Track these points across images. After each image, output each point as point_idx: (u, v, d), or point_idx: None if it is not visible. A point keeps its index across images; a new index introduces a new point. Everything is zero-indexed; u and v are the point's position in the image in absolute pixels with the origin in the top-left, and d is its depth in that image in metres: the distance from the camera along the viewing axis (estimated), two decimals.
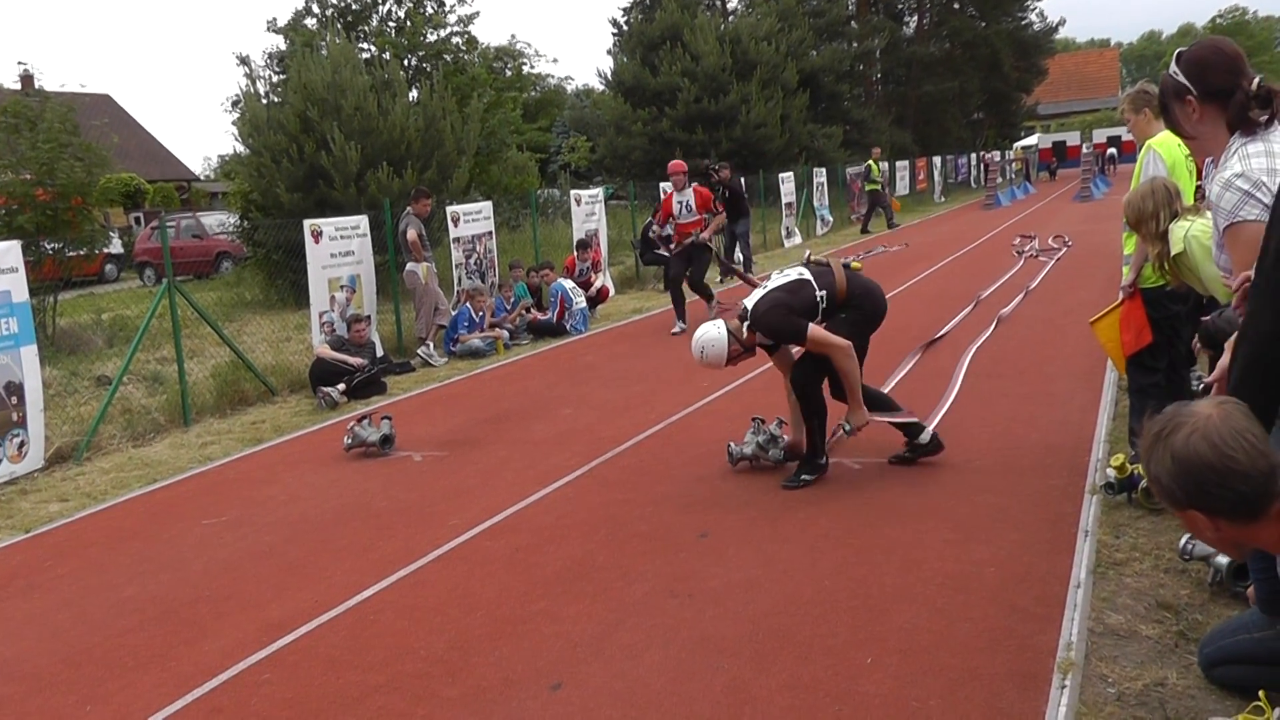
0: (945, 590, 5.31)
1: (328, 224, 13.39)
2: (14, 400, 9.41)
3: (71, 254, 17.42)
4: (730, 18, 52.57)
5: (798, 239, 27.83)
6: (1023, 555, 5.69)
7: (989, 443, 7.92)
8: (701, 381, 10.82)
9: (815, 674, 4.60)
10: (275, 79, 30.93)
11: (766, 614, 5.22)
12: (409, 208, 14.12)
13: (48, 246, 16.90)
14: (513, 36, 70.97)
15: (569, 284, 15.81)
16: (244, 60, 36.49)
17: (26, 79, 43.22)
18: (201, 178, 61.93)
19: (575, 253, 17.58)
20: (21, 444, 9.49)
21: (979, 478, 7.10)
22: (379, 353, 13.16)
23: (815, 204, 30.32)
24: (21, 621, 6.24)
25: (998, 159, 46.28)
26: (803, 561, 5.87)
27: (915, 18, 62.09)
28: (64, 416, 11.10)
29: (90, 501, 8.74)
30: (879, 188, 31.35)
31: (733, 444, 7.76)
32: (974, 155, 54.09)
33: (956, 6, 59.97)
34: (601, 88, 48.45)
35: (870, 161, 31.19)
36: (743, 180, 21.92)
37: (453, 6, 43.09)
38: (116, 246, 32.33)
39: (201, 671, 5.21)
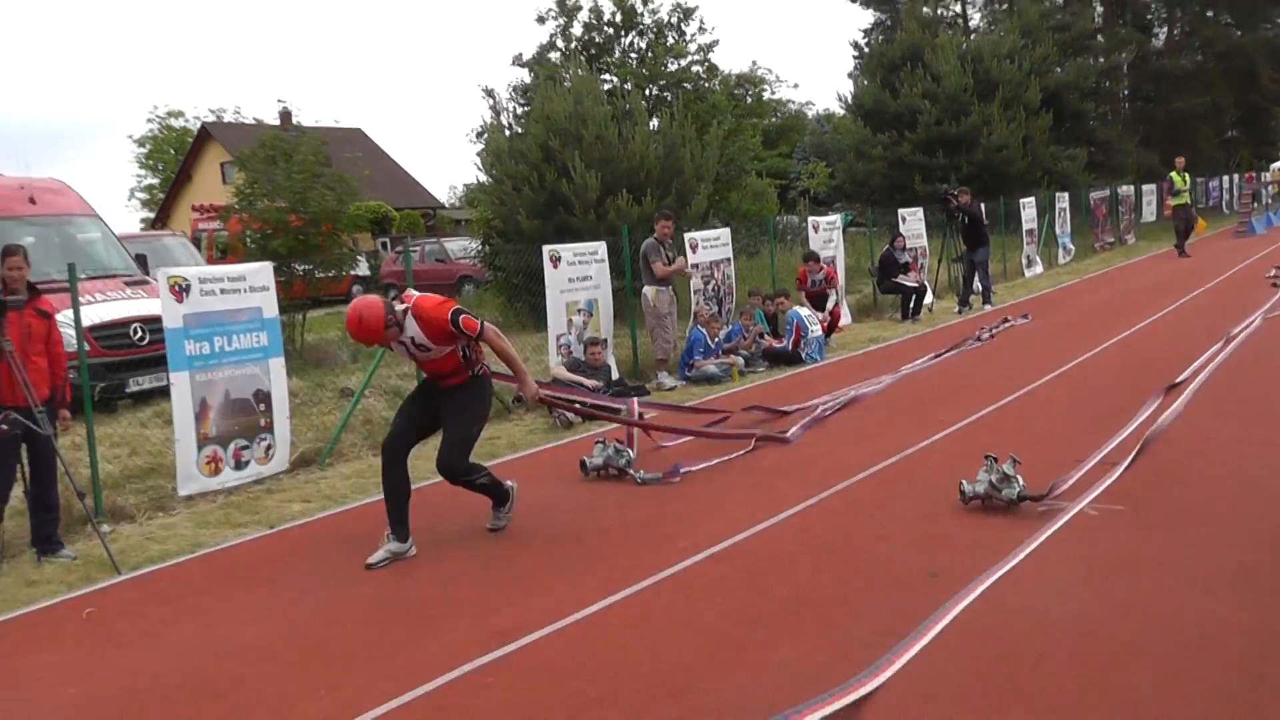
0: (1183, 652, 5.03)
1: (566, 249, 13.72)
2: (262, 407, 10.03)
3: (320, 275, 18.36)
4: (972, 35, 51.27)
5: (1039, 268, 26.68)
6: (1275, 620, 5.35)
7: (1234, 492, 7.50)
8: (937, 415, 10.63)
9: None
10: (519, 110, 31.86)
11: (992, 661, 5.08)
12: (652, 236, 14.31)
13: (298, 268, 17.92)
14: (754, 63, 71.50)
15: (805, 312, 15.73)
16: (489, 93, 37.92)
17: (285, 115, 45.75)
18: (446, 205, 64.26)
19: (805, 263, 17.48)
20: (269, 447, 10.06)
21: (1222, 531, 6.73)
22: (614, 375, 13.38)
23: (1057, 231, 28.94)
24: (263, 609, 6.66)
25: (1252, 181, 42.81)
26: (1033, 608, 5.68)
27: (1165, 29, 57.90)
28: (309, 424, 11.69)
29: (330, 503, 9.22)
30: (1186, 203, 28.60)
31: (965, 481, 7.59)
32: (1229, 177, 50.31)
33: (1210, 15, 55.33)
34: (841, 112, 47.90)
35: (1173, 173, 28.63)
36: (982, 206, 21.33)
37: (693, 36, 43.54)
38: (364, 269, 33.75)
39: (429, 670, 5.43)
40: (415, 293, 7.40)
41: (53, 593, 7.34)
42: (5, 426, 7.66)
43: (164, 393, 9.98)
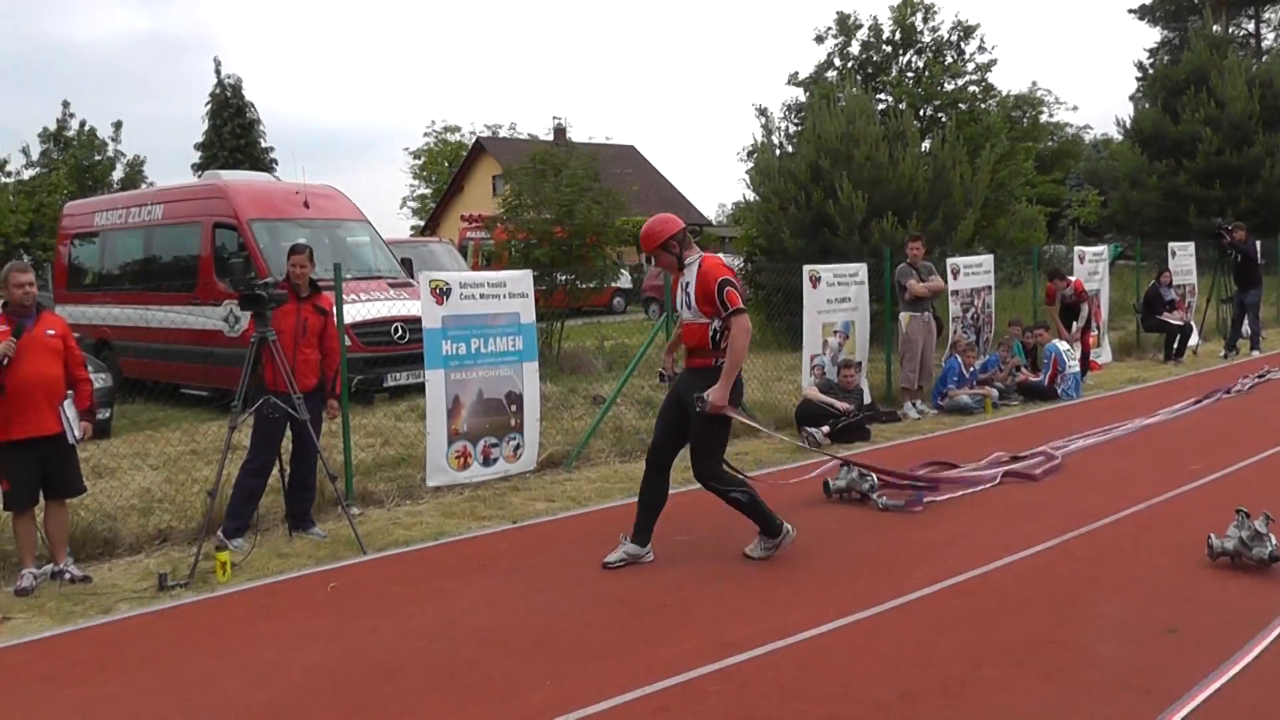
0: None
1: (826, 270, 13.54)
2: (514, 408, 10.25)
3: (582, 286, 18.73)
4: (1264, 57, 48.12)
5: None
6: None
7: None
8: (1191, 464, 9.99)
9: None
10: (791, 130, 31.80)
11: None
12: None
13: (560, 278, 18.31)
14: (1033, 83, 68.88)
15: (1064, 347, 15.07)
16: (762, 112, 38.04)
17: (559, 131, 47.09)
18: (714, 223, 64.65)
19: (1050, 280, 16.66)
20: (517, 447, 10.27)
21: None
22: (866, 399, 13.12)
23: None
24: (501, 597, 6.80)
25: None
26: (1278, 675, 5.23)
27: None
28: (559, 428, 11.89)
29: (573, 505, 9.36)
30: None
31: (1214, 536, 7.05)
32: None
33: None
34: (1119, 137, 45.71)
35: None
36: (1258, 244, 19.89)
37: (972, 55, 42.45)
38: (626, 282, 34.37)
39: (654, 671, 5.42)
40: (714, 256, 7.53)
41: (301, 566, 7.72)
42: (270, 411, 8.10)
43: (420, 389, 10.32)
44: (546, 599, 6.75)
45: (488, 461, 10.03)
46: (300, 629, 6.41)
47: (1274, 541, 6.83)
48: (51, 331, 7.62)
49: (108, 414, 13.09)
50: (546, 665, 5.60)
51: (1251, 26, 55.14)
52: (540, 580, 7.14)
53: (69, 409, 7.54)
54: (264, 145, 49.37)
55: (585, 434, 11.30)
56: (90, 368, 8.33)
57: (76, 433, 7.57)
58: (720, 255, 7.81)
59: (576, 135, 47.90)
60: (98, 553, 8.20)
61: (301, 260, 8.49)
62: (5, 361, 7.29)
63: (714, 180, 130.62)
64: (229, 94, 48.50)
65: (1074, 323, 15.97)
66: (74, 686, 5.74)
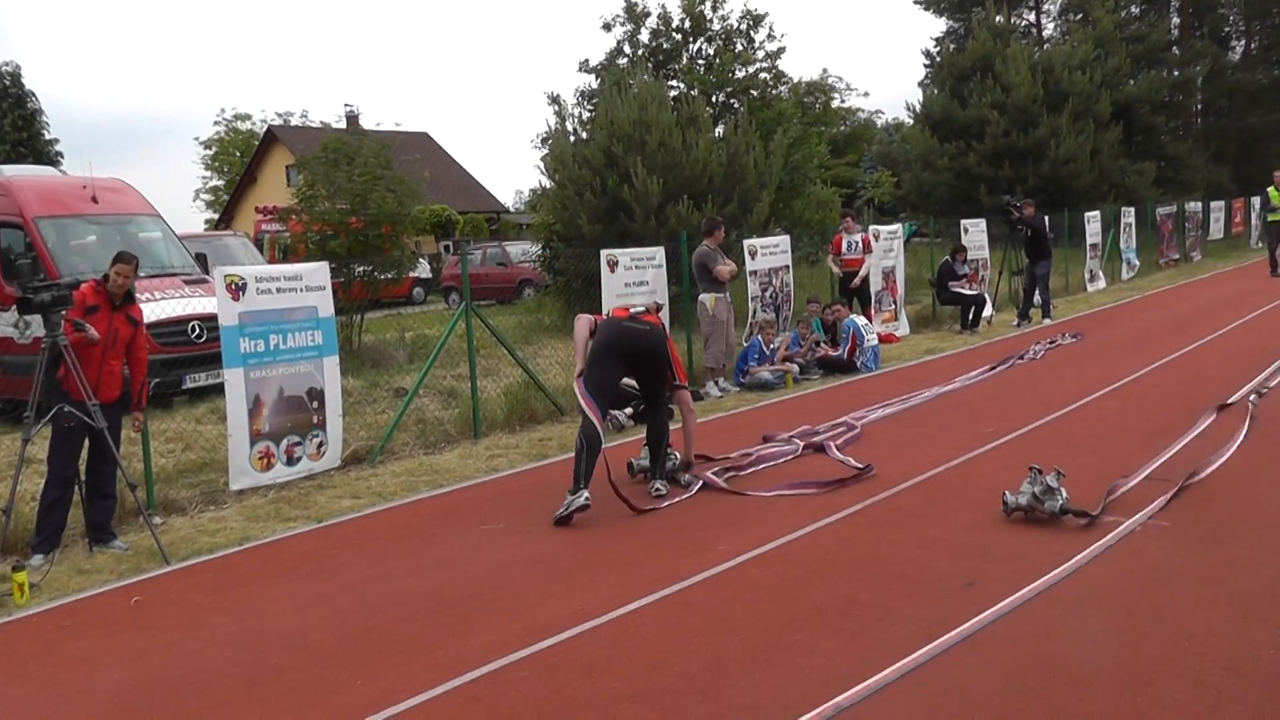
0: (1216, 669, 4.97)
1: (624, 254, 13.77)
2: (315, 404, 10.17)
3: (380, 276, 18.57)
4: (1045, 45, 50.67)
5: (1102, 283, 26.33)
6: None
7: (1278, 512, 7.41)
8: (986, 427, 10.58)
9: None
10: (584, 116, 31.98)
11: (1021, 671, 5.06)
12: (704, 242, 14.26)
13: (358, 269, 18.15)
14: (824, 70, 70.94)
15: (861, 320, 15.74)
16: (555, 99, 37.93)
17: (351, 119, 46.34)
18: (511, 210, 64.57)
19: (842, 221, 17.54)
20: (320, 444, 10.21)
21: (1265, 551, 6.63)
22: None
23: (1122, 246, 28.45)
24: (308, 600, 6.81)
25: None
26: (1068, 622, 5.65)
27: (1243, 42, 56.60)
28: (362, 423, 11.85)
29: (380, 500, 9.36)
30: None
31: (1008, 493, 7.55)
32: None
33: None
34: (910, 121, 47.54)
35: (1271, 188, 26.58)
36: (1046, 219, 21.06)
37: (762, 43, 43.32)
38: (424, 271, 34.12)
39: (464, 662, 5.53)
40: None
41: (103, 581, 7.53)
42: (66, 420, 7.90)
43: (220, 389, 10.15)
44: (354, 598, 6.78)
45: (291, 461, 9.94)
46: (104, 648, 6.26)
47: (1064, 495, 7.35)
48: None
49: None
50: (356, 665, 5.65)
51: (1033, 17, 57.90)
52: (347, 579, 7.16)
53: None
54: (48, 137, 47.47)
55: (389, 428, 11.29)
56: None
57: None
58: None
59: (368, 122, 47.18)
60: None
61: (126, 271, 8.26)
62: None
63: (510, 167, 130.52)
64: (7, 82, 46.36)
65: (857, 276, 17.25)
66: None
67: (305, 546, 8.01)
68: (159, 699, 5.44)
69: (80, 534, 8.45)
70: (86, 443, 8.20)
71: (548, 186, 23.60)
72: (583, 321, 9.08)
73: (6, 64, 47.02)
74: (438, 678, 5.37)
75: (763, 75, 43.19)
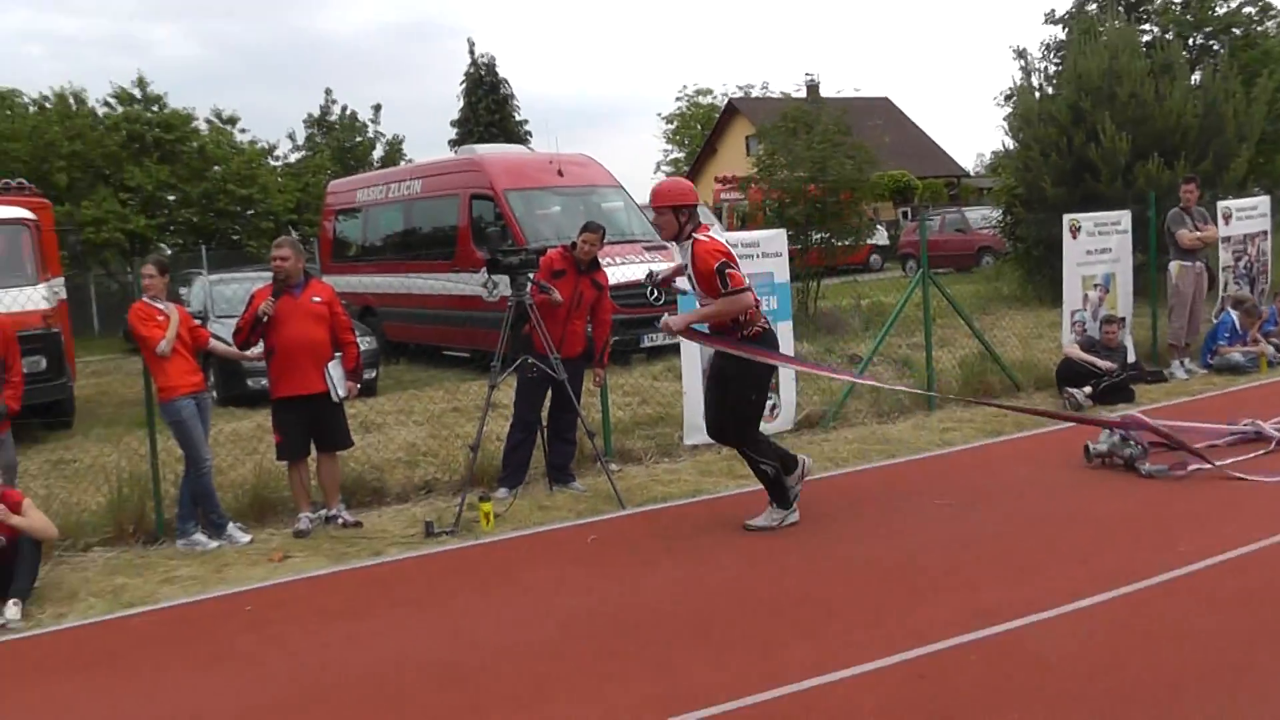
0: None
1: (1087, 219, 12.97)
2: None
3: (837, 244, 18.59)
4: None
5: None
6: None
7: None
8: None
9: None
10: (1050, 71, 30.48)
11: None
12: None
13: (814, 236, 18.21)
14: None
15: None
16: (1020, 53, 36.20)
17: (811, 88, 46.59)
18: (971, 174, 62.78)
19: None
20: (774, 406, 10.23)
21: None
22: (1130, 358, 12.51)
23: None
24: (758, 557, 6.92)
25: None
26: None
27: None
28: (815, 388, 11.82)
29: (830, 465, 9.35)
30: None
31: None
32: None
33: None
34: None
35: None
36: None
37: None
38: (882, 238, 33.88)
39: (910, 637, 5.38)
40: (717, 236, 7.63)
41: (560, 518, 8.10)
42: (529, 371, 8.56)
43: (675, 349, 10.51)
44: (800, 559, 6.82)
45: None
46: (559, 577, 6.73)
47: None
48: (317, 299, 8.29)
49: (373, 374, 14.13)
50: (804, 624, 5.67)
51: None
52: (796, 541, 7.21)
53: (334, 369, 8.19)
54: (518, 119, 51.04)
55: (842, 394, 11.23)
56: (356, 332, 8.91)
57: (341, 391, 8.21)
58: (713, 233, 7.74)
59: (827, 90, 47.10)
60: (367, 501, 8.86)
61: (593, 239, 8.92)
62: (265, 318, 7.97)
63: (971, 129, 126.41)
64: (483, 72, 50.45)
65: None
66: (347, 620, 6.25)
67: (755, 504, 8.09)
68: (604, 630, 5.76)
69: (541, 474, 9.09)
70: (549, 392, 8.78)
71: (1010, 148, 22.64)
72: None
73: (482, 56, 51.05)
74: (882, 649, 5.24)
75: (1247, 9, 39.30)
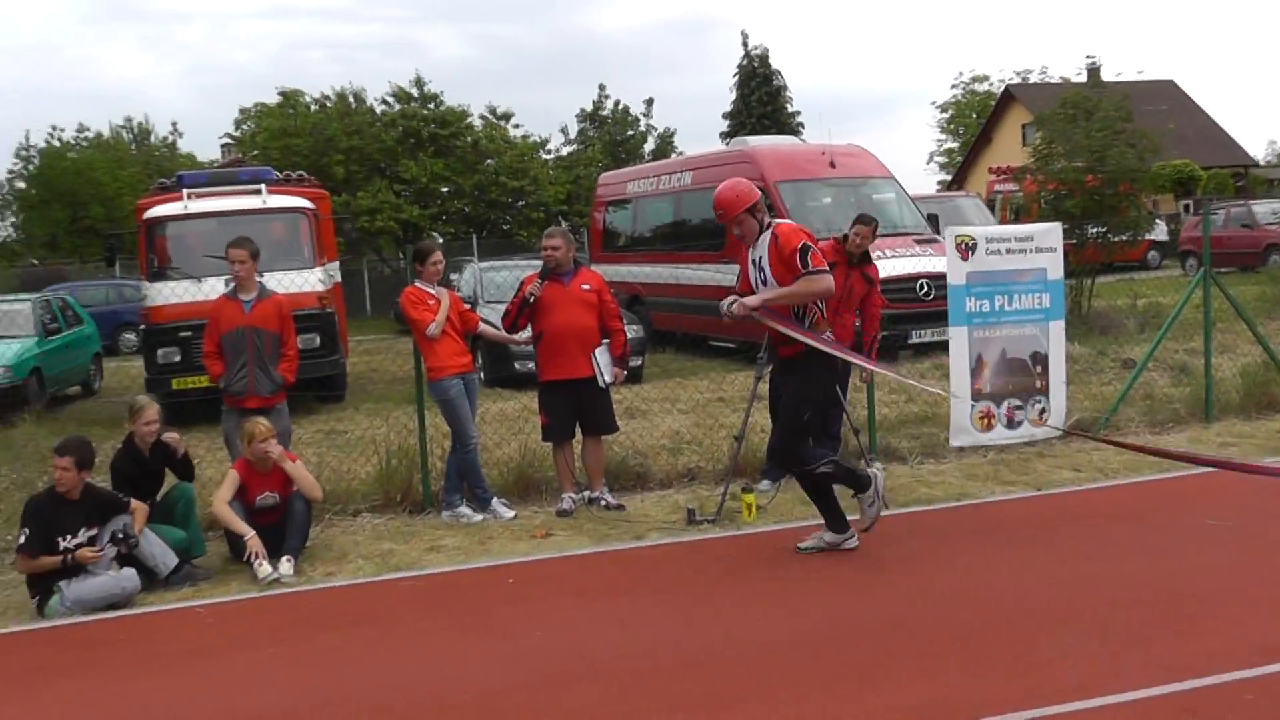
0: None
1: None
2: (1039, 369, 9.93)
3: (1114, 239, 17.89)
4: None
5: None
6: None
7: None
8: None
9: None
10: None
11: None
12: None
13: (1091, 230, 17.55)
14: None
15: None
16: None
17: (1092, 71, 44.69)
18: (1261, 163, 59.09)
19: None
20: (1042, 410, 9.96)
21: None
22: None
23: None
24: (1023, 566, 6.76)
25: None
26: None
27: None
28: (1086, 392, 11.44)
29: (1101, 476, 9.03)
30: None
31: None
32: None
33: None
34: None
35: None
36: None
37: None
38: (1161, 234, 32.36)
39: (1180, 668, 5.11)
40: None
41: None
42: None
43: (943, 346, 10.33)
44: (1070, 572, 6.61)
45: (1012, 424, 9.80)
46: (823, 575, 6.75)
47: None
48: (586, 286, 8.60)
49: (640, 362, 14.47)
50: (1069, 642, 5.48)
51: None
52: (1064, 552, 7.00)
53: (601, 356, 8.46)
54: (790, 110, 50.93)
55: (1115, 400, 10.80)
56: (624, 320, 9.14)
57: (607, 377, 8.48)
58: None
59: (1109, 74, 45.18)
60: (630, 485, 9.10)
61: (864, 232, 8.88)
62: (532, 299, 8.33)
63: (1263, 114, 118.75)
64: (756, 64, 50.58)
65: None
66: (606, 600, 6.50)
67: (1022, 512, 7.94)
68: (867, 631, 5.80)
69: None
70: None
71: None
72: None
73: (755, 48, 50.98)
74: (1150, 678, 5.01)
75: None
